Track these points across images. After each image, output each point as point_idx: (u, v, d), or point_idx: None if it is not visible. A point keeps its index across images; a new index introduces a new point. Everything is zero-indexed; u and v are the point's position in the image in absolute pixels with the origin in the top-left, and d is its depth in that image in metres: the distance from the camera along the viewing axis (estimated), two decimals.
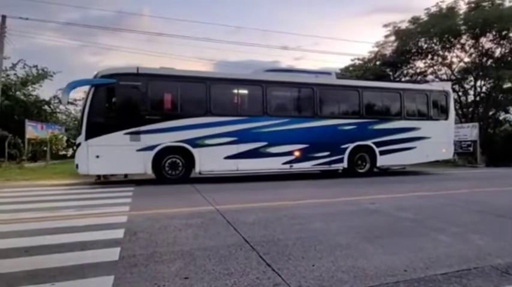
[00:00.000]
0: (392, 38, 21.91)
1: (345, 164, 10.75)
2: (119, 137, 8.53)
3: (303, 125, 10.25)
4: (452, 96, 12.79)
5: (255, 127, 9.73)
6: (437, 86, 12.89)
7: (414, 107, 11.92)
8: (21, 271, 2.94)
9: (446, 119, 12.18)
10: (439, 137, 11.82)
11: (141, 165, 8.73)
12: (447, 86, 12.76)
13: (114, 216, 5.13)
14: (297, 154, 10.13)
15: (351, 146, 10.75)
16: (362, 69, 23.86)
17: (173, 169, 9.13)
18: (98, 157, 8.38)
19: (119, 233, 4.13)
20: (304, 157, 10.22)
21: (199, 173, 9.39)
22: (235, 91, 9.97)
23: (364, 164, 11.14)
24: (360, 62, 24.87)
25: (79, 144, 8.61)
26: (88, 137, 8.43)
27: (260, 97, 9.87)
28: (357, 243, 3.83)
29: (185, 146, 9.09)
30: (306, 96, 10.59)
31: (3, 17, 14.37)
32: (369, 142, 10.97)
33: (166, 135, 8.94)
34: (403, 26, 21.38)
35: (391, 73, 23.23)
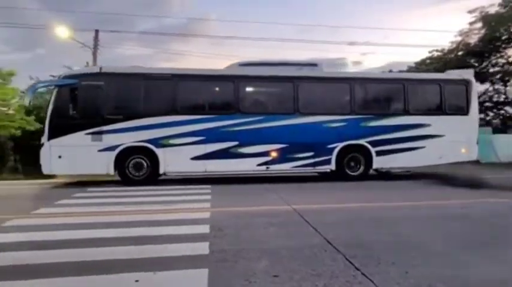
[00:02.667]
0: (479, 24, 19.71)
1: (332, 166, 9.56)
2: (81, 138, 8.49)
3: (281, 123, 9.29)
4: (475, 86, 10.64)
5: (224, 126, 9.07)
6: (455, 74, 10.78)
7: (422, 100, 10.28)
8: (131, 259, 3.27)
9: (467, 113, 10.21)
10: (457, 135, 9.91)
11: (104, 165, 8.61)
12: (468, 74, 10.58)
13: (198, 212, 5.43)
14: (273, 154, 9.25)
15: (340, 145, 9.53)
16: (441, 61, 21.87)
17: (137, 169, 8.90)
18: (60, 157, 8.41)
19: (205, 229, 4.36)
20: (283, 157, 9.29)
21: (164, 174, 9.13)
22: (204, 88, 9.40)
23: (357, 166, 9.81)
24: (439, 53, 22.83)
25: (42, 144, 8.60)
26: (50, 137, 8.48)
27: (231, 93, 9.25)
28: (454, 251, 3.52)
29: (148, 146, 8.79)
30: (285, 91, 9.58)
31: (96, 31, 16.21)
32: (362, 141, 9.64)
33: (129, 135, 8.70)
34: (492, 10, 19.12)
35: (476, 64, 20.93)
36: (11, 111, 15.12)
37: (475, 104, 10.39)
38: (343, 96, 9.85)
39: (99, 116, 8.63)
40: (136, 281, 2.74)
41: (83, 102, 8.61)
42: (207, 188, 8.06)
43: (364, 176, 9.77)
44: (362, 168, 9.81)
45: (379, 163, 9.79)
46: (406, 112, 9.91)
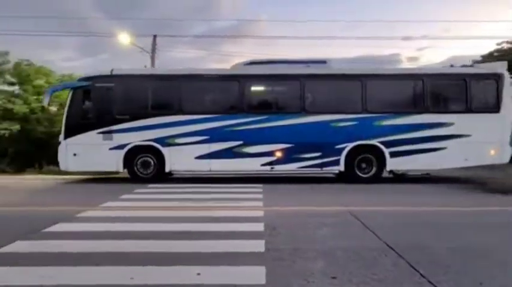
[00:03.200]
0: None
1: (341, 167, 9.11)
2: (93, 136, 8.95)
3: (286, 122, 9.05)
4: (508, 80, 9.34)
5: (228, 125, 9.04)
6: (484, 68, 9.83)
7: (444, 96, 9.49)
8: (192, 253, 3.41)
9: (497, 111, 9.09)
10: (484, 136, 8.94)
11: (114, 163, 9.02)
12: (501, 68, 9.43)
13: (251, 210, 5.51)
14: (278, 154, 9.05)
15: (349, 146, 9.05)
16: None
17: (145, 167, 9.22)
18: (75, 154, 8.97)
19: (259, 227, 4.41)
20: (288, 157, 9.05)
21: (170, 172, 9.39)
22: (208, 87, 9.52)
23: (370, 167, 9.22)
24: (510, 45, 20.75)
25: (60, 142, 9.15)
26: (66, 136, 9.02)
27: (236, 93, 9.17)
28: None
29: (154, 145, 9.04)
30: (291, 89, 9.32)
31: (154, 36, 17.16)
32: (375, 141, 9.05)
33: (137, 135, 9.02)
34: None
35: None
36: None
37: (507, 100, 9.19)
38: (353, 94, 9.24)
39: (109, 116, 9.04)
40: (198, 274, 2.85)
41: (95, 103, 9.09)
42: (258, 187, 8.14)
43: (377, 179, 9.19)
44: (374, 169, 9.23)
45: (393, 164, 9.16)
46: (425, 110, 9.13)
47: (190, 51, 59.76)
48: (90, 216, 5.12)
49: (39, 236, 4.00)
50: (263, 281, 2.72)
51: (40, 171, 13.38)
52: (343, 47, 56.96)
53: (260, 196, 6.94)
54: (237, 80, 9.19)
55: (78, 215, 5.12)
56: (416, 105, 9.29)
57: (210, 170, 9.29)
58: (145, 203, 6.27)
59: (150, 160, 9.24)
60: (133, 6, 56.23)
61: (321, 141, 9.07)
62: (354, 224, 4.62)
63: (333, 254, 3.39)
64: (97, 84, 9.09)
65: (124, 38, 17.37)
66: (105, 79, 9.19)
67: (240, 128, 9.09)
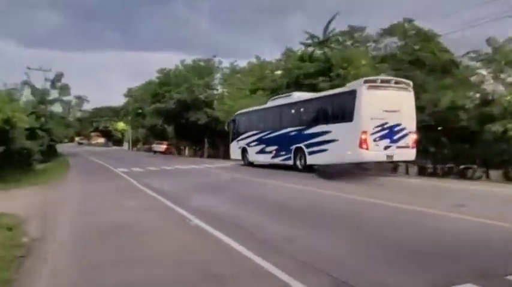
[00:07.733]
0: None
1: (291, 161, 14.88)
2: (235, 143, 19.65)
3: (276, 134, 16.11)
4: (365, 94, 11.63)
5: (263, 136, 16.97)
6: (348, 86, 12.97)
7: (325, 112, 13.78)
8: None
9: (351, 120, 11.93)
10: (345, 140, 12.15)
11: (239, 155, 19.14)
12: (359, 85, 11.90)
13: None
14: (274, 152, 16.07)
15: (293, 147, 14.73)
16: None
17: (247, 159, 18.56)
18: (233, 151, 20.17)
19: None
20: (277, 154, 15.91)
21: (251, 161, 18.25)
22: (258, 118, 18.44)
23: (303, 161, 14.30)
24: None
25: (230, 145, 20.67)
26: (231, 142, 20.35)
27: (263, 119, 17.86)
28: None
29: (246, 147, 18.50)
30: (276, 114, 16.69)
31: None
32: (301, 144, 14.27)
33: (244, 141, 18.72)
34: None
35: None
36: None
37: (360, 111, 11.64)
38: (295, 113, 15.41)
39: (238, 133, 19.53)
40: None
41: (235, 127, 20.01)
42: None
43: (306, 169, 13.98)
44: (304, 163, 14.22)
45: (311, 160, 13.94)
46: (318, 123, 13.73)
47: None
48: None
49: None
50: None
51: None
52: None
53: None
54: (264, 111, 17.97)
55: None
56: (315, 119, 14.17)
57: (262, 161, 17.43)
58: None
59: (247, 154, 18.66)
60: None
61: (285, 145, 15.29)
62: None
63: None
64: (236, 118, 20.09)
65: None
66: (237, 115, 20.09)
67: (265, 138, 16.98)
